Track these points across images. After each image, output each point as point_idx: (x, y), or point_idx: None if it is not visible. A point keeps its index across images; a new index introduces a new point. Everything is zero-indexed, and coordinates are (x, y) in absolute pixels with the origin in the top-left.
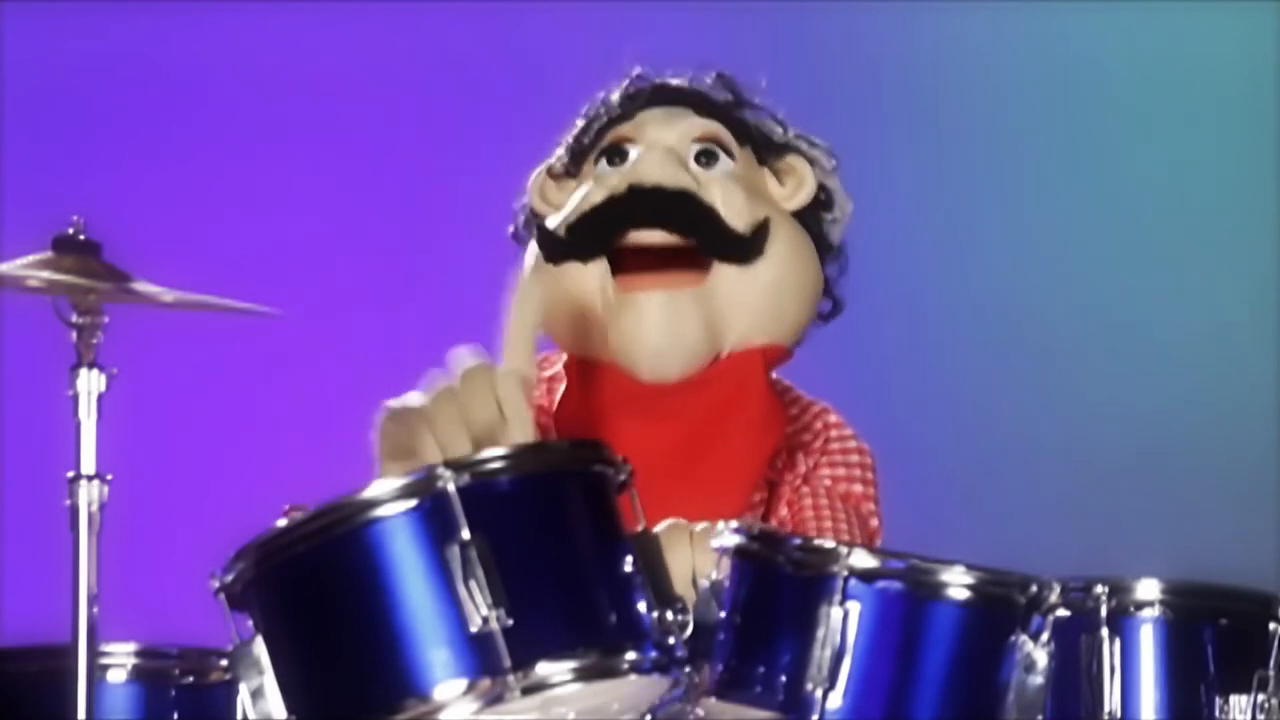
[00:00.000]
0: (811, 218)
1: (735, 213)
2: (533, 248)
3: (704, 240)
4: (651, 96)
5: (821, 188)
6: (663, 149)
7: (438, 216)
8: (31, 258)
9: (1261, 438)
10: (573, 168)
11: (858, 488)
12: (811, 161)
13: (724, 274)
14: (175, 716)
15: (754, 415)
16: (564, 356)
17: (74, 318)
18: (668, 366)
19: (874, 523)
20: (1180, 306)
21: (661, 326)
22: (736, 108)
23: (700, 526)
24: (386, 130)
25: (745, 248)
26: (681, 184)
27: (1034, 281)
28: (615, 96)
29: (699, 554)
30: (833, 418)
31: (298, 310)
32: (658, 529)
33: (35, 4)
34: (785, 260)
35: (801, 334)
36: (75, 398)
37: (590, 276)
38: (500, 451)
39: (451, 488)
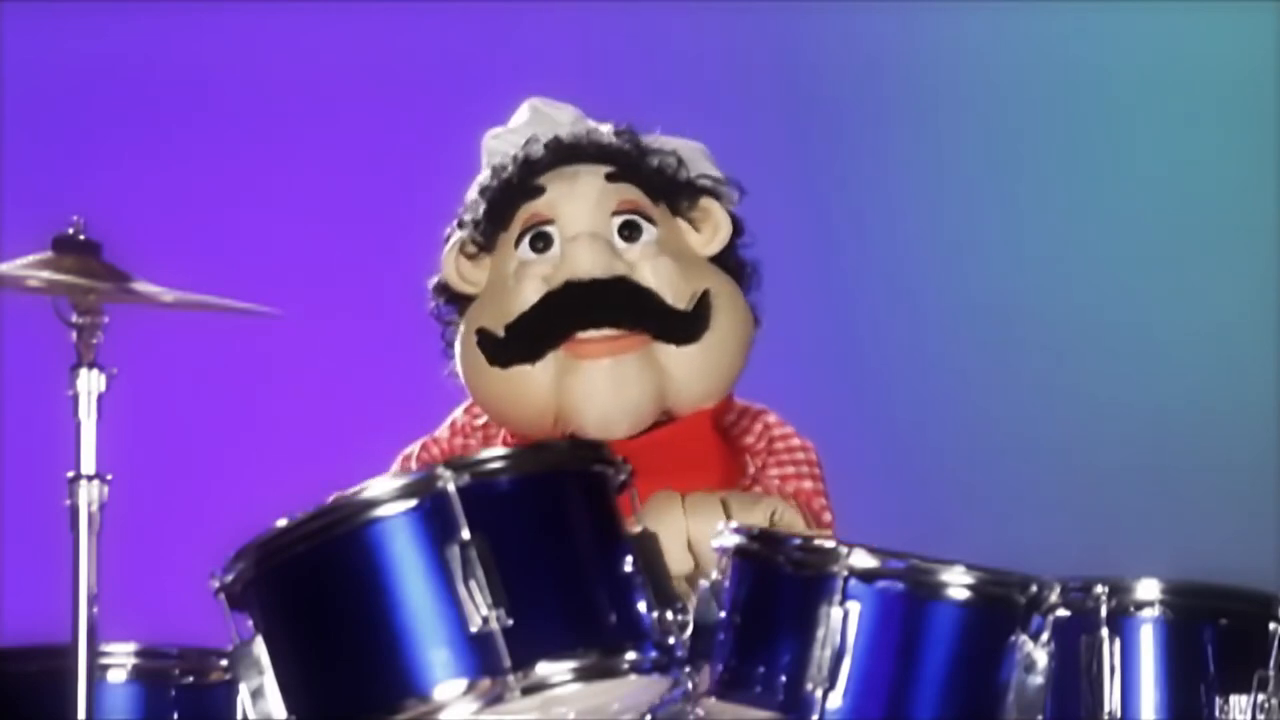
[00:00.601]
0: (730, 254)
1: (674, 291)
2: (466, 342)
3: (649, 326)
4: (552, 158)
5: (732, 218)
6: (588, 235)
7: (438, 217)
8: (31, 258)
9: (1261, 438)
10: (486, 244)
11: (807, 484)
12: (717, 196)
13: (669, 348)
14: (175, 716)
15: (716, 471)
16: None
17: (74, 318)
18: (614, 428)
19: (826, 517)
20: (1180, 306)
21: (609, 391)
22: (639, 158)
23: (693, 495)
24: (387, 130)
25: (691, 327)
26: (615, 272)
27: (1034, 281)
28: (513, 162)
29: (693, 520)
30: (772, 418)
31: (298, 310)
32: (649, 501)
33: (35, 4)
34: (727, 327)
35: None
36: (75, 398)
37: (541, 376)
38: (500, 451)
39: (451, 488)
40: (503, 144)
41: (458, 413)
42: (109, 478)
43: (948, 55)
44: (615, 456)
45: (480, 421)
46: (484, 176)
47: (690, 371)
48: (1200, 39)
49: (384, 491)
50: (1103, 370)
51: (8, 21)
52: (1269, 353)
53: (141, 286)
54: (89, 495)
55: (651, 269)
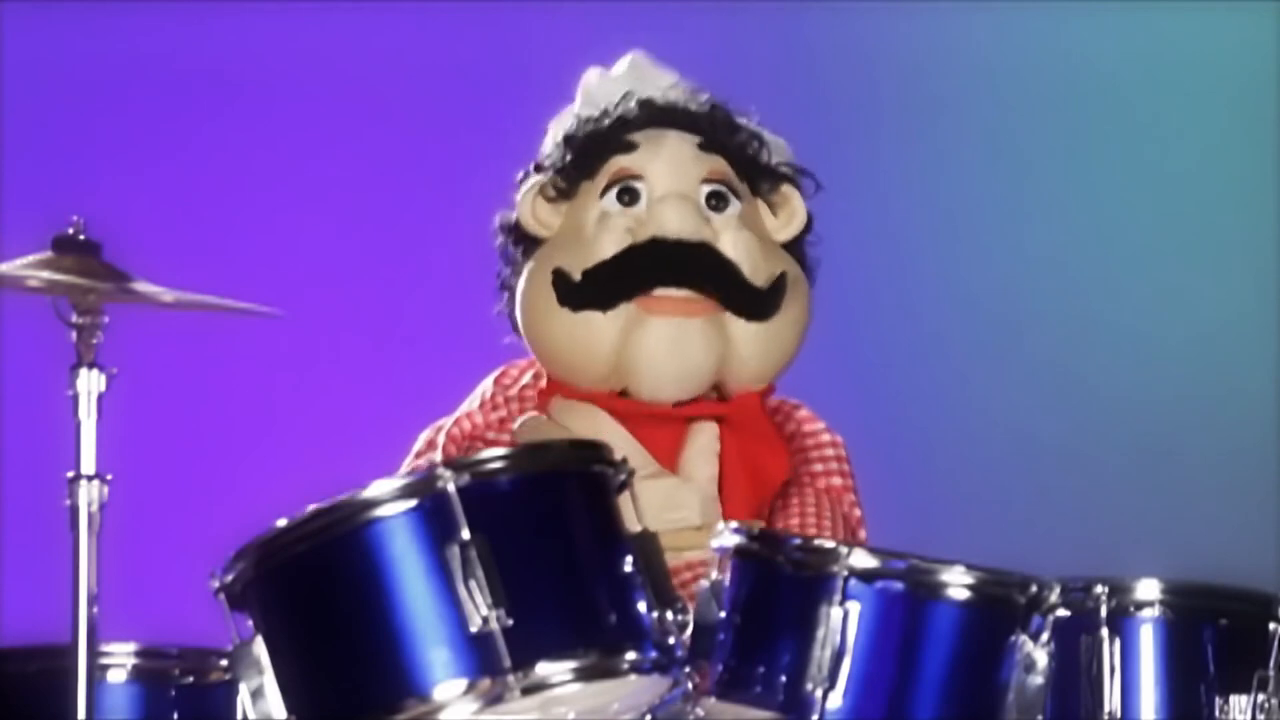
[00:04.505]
0: (799, 246)
1: (753, 268)
2: (535, 281)
3: (724, 296)
4: (646, 117)
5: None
6: (677, 196)
7: (438, 217)
8: (31, 258)
9: (1261, 438)
10: (568, 190)
11: (836, 480)
12: (796, 186)
13: (739, 321)
14: (175, 716)
15: (764, 455)
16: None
17: (74, 318)
18: (666, 389)
19: (856, 513)
20: (1181, 306)
21: (671, 351)
22: (731, 134)
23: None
24: (387, 130)
25: (765, 305)
26: (701, 237)
27: (1034, 281)
28: (606, 116)
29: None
30: (803, 413)
31: (298, 310)
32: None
33: (35, 4)
34: (794, 313)
35: None
36: (75, 398)
37: (609, 325)
38: (500, 451)
39: (451, 488)
40: (600, 88)
41: (486, 384)
42: (109, 478)
43: (947, 55)
44: (615, 457)
45: (515, 390)
46: (570, 124)
47: (754, 349)
48: (1200, 39)
49: (384, 491)
50: (1103, 369)
51: (8, 21)
52: (1269, 352)
53: (141, 286)
54: (89, 495)
55: (733, 241)
